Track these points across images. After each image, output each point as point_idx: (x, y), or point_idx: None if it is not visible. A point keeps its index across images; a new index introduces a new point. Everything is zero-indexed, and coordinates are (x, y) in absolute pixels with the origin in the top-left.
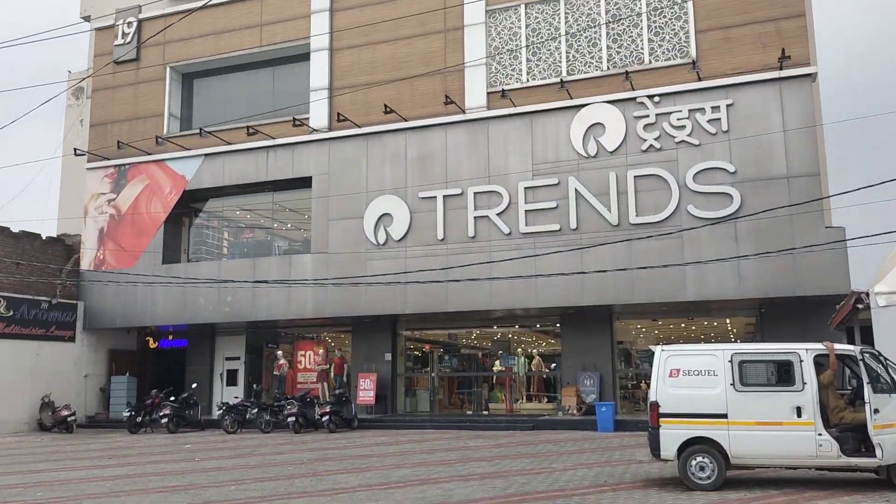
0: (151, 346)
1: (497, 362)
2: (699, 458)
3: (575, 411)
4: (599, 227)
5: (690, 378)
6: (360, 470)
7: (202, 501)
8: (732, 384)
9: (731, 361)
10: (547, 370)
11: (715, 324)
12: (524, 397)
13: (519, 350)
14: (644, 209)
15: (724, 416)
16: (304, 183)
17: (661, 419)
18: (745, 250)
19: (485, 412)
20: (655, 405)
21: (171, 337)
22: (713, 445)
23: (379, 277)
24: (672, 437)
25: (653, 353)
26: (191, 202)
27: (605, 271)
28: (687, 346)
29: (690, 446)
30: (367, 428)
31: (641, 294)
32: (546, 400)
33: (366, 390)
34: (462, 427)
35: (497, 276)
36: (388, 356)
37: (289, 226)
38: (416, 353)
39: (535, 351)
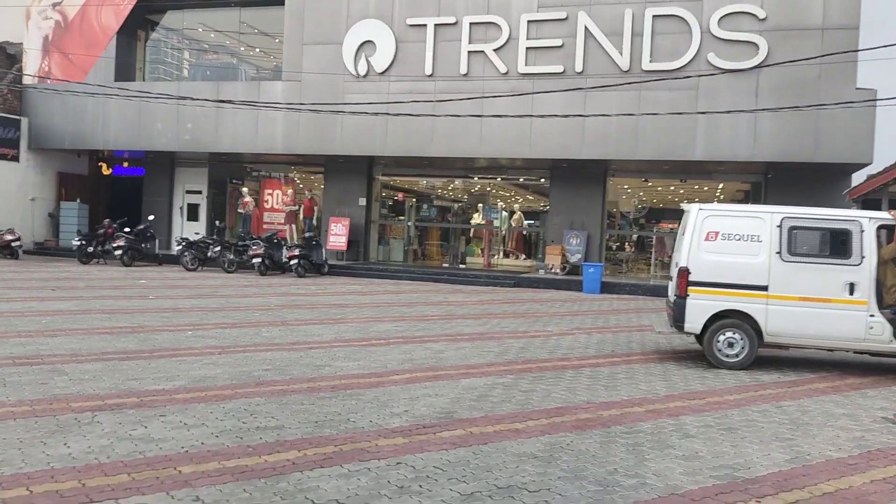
0: (105, 173)
1: (476, 215)
2: (729, 334)
3: (558, 270)
4: (608, 71)
5: (730, 243)
6: (333, 321)
7: (151, 348)
8: (779, 253)
9: (779, 226)
10: (532, 226)
11: (706, 188)
12: (501, 253)
13: (500, 204)
14: (659, 54)
15: (765, 288)
16: None
17: (689, 287)
18: (765, 105)
19: (462, 265)
20: (685, 271)
21: (126, 164)
22: (746, 320)
23: (357, 113)
24: (700, 308)
25: (685, 211)
26: (147, 13)
27: (609, 116)
28: (729, 206)
29: (719, 320)
30: (338, 274)
31: (646, 150)
32: (524, 257)
33: (337, 235)
34: (439, 280)
35: (490, 119)
36: (363, 201)
37: (257, 50)
38: (392, 200)
39: (517, 206)
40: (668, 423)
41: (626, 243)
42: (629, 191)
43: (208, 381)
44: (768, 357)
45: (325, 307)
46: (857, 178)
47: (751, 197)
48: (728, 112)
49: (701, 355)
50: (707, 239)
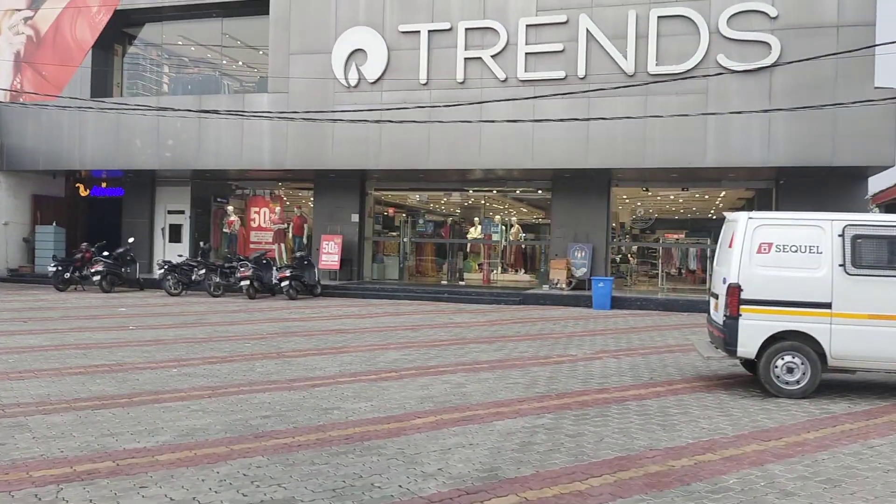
0: (82, 195)
1: (473, 229)
2: (788, 358)
3: (564, 286)
4: (612, 76)
5: (785, 255)
6: (334, 350)
7: (131, 391)
8: (842, 265)
9: (841, 236)
10: (529, 240)
11: (707, 197)
12: (501, 268)
13: (497, 218)
14: (666, 57)
15: (828, 305)
16: (261, 7)
17: (742, 306)
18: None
19: (461, 282)
20: (736, 289)
21: (104, 185)
22: (807, 342)
23: (349, 125)
24: (755, 329)
25: (729, 221)
26: (124, 26)
27: (615, 120)
28: (782, 214)
29: (776, 342)
30: (332, 296)
31: (654, 157)
32: (524, 271)
33: (330, 254)
34: (439, 299)
35: (489, 129)
36: (356, 217)
37: (240, 63)
38: (386, 215)
39: (514, 219)
40: (755, 476)
41: (629, 255)
42: (627, 201)
43: (198, 435)
44: (831, 383)
45: (322, 334)
46: (874, 182)
47: (755, 205)
48: (740, 113)
49: (750, 380)
50: (759, 251)
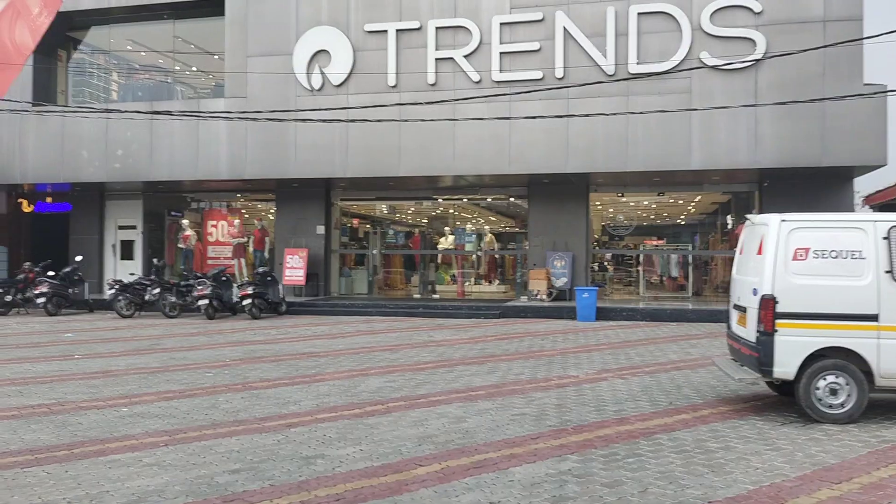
0: (26, 210)
1: (443, 239)
2: (830, 378)
3: (544, 297)
4: (591, 76)
5: (824, 262)
6: (308, 379)
7: (71, 440)
8: (889, 272)
9: (886, 238)
10: (504, 249)
11: (681, 201)
12: (474, 279)
13: (469, 227)
14: (647, 55)
15: (874, 317)
16: (215, 7)
17: (777, 321)
18: (766, 107)
19: (435, 296)
20: (771, 301)
21: (49, 199)
22: (852, 359)
23: (314, 131)
24: (794, 346)
25: (754, 224)
26: (68, 29)
27: (595, 123)
28: (818, 216)
29: (817, 360)
30: (298, 313)
31: (637, 160)
32: (498, 282)
33: (294, 269)
34: (414, 314)
35: (464, 133)
36: (321, 229)
37: (194, 68)
38: (351, 226)
39: (487, 228)
40: None
41: (607, 263)
42: (599, 207)
43: (152, 500)
44: (879, 405)
45: (292, 358)
46: (863, 183)
47: (732, 209)
48: (726, 108)
49: (776, 401)
50: (796, 258)
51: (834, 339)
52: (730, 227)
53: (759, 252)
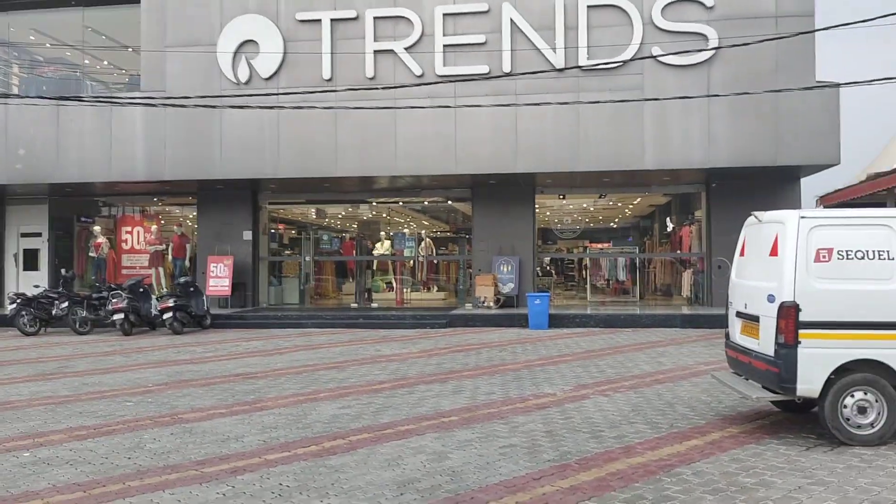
0: None
1: (379, 244)
2: (859, 395)
3: (492, 304)
4: (541, 70)
5: (850, 264)
6: (248, 406)
7: None
8: None
9: None
10: (445, 254)
11: (619, 203)
12: (412, 287)
13: (406, 231)
14: (598, 50)
15: None
16: None
17: (800, 331)
18: (719, 106)
19: (373, 304)
20: (793, 309)
21: None
22: (882, 373)
23: (241, 127)
24: (820, 360)
25: (764, 222)
26: None
27: (544, 120)
28: (840, 212)
29: (844, 375)
30: (225, 327)
31: (590, 160)
32: (436, 289)
33: (219, 278)
34: (354, 325)
35: (406, 131)
36: (248, 235)
37: (105, 63)
38: (279, 231)
39: (424, 233)
40: None
41: (550, 268)
42: (538, 210)
43: None
44: None
45: (225, 381)
46: (809, 183)
47: (672, 210)
48: (679, 99)
49: (785, 419)
50: (818, 260)
51: (862, 350)
52: (670, 229)
53: (774, 253)
